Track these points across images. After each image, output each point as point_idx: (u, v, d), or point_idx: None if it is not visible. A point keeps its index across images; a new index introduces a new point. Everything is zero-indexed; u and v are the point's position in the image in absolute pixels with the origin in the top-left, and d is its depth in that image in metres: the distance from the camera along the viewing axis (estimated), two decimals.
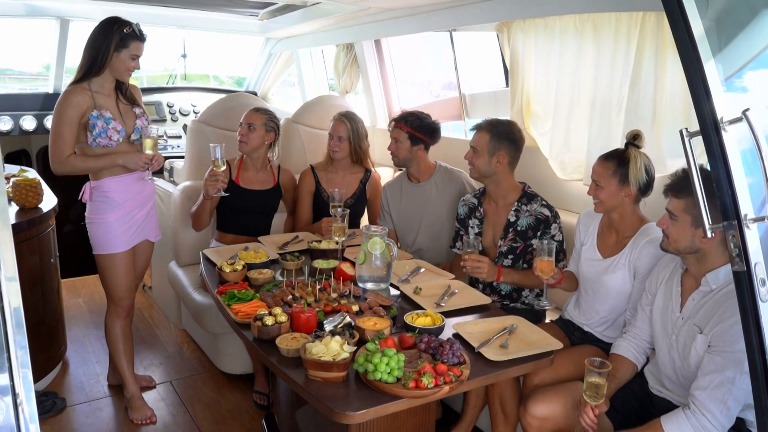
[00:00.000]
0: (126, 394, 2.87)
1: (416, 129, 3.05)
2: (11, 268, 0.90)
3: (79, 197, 2.73)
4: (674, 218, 1.82)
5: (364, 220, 3.56)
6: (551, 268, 2.22)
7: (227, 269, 2.37)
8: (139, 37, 2.61)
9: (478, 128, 2.65)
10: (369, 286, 2.34)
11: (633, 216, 2.26)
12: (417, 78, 4.88)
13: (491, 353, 1.82)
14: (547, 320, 2.68)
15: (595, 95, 2.80)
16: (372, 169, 3.43)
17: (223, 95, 4.79)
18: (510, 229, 2.62)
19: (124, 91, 2.72)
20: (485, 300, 2.28)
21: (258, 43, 5.75)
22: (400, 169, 3.32)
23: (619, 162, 2.19)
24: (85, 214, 2.74)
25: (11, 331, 0.85)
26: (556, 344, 1.92)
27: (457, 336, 1.97)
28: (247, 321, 1.99)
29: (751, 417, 1.77)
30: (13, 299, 0.89)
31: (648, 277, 2.12)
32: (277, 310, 1.94)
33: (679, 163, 2.50)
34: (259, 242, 2.89)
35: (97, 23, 2.63)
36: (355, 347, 1.76)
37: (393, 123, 3.12)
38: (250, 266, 2.45)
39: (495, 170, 2.61)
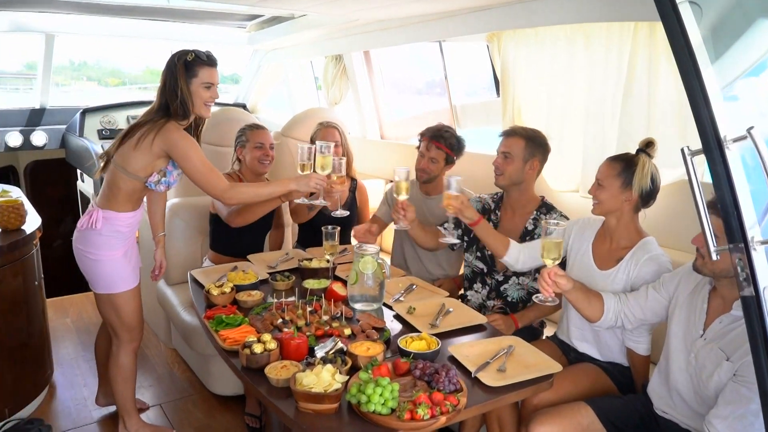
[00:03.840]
0: (130, 428, 2.72)
1: (455, 150, 2.98)
2: None
3: (83, 225, 2.47)
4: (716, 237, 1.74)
5: None
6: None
7: (215, 292, 2.30)
8: (207, 62, 2.40)
9: (512, 133, 2.58)
10: (361, 306, 2.28)
11: (630, 225, 2.20)
12: (407, 88, 4.83)
13: (489, 378, 1.76)
14: (544, 336, 2.63)
15: (588, 105, 2.76)
16: (356, 178, 3.41)
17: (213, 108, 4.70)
18: (527, 237, 2.58)
19: (195, 135, 2.58)
20: (481, 319, 2.22)
21: (246, 55, 5.70)
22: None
23: (626, 165, 2.14)
24: (83, 247, 2.47)
25: None
26: (555, 366, 1.86)
27: (452, 359, 1.90)
28: (235, 348, 1.91)
29: None
30: None
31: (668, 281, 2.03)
32: (267, 337, 1.87)
33: (674, 173, 2.47)
34: (249, 261, 2.82)
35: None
36: (347, 376, 1.69)
37: (432, 141, 2.96)
38: (238, 288, 2.38)
39: (526, 177, 2.57)
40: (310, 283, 2.43)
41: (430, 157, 2.97)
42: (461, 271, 3.06)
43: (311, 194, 2.61)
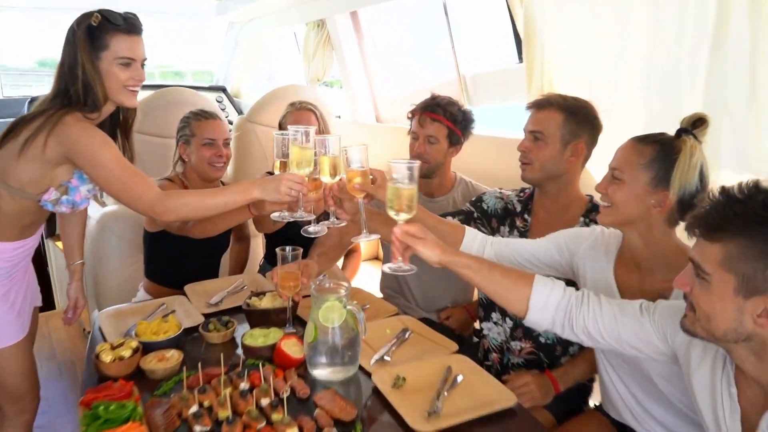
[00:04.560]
0: None
1: (459, 124, 2.23)
2: None
3: None
4: (705, 277, 1.04)
5: None
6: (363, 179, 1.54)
7: (107, 358, 1.54)
8: (124, 28, 1.66)
9: (545, 104, 1.81)
10: (324, 375, 1.52)
11: (666, 244, 1.42)
12: (404, 58, 4.00)
13: None
14: (591, 402, 1.88)
15: (653, 68, 1.94)
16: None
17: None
18: None
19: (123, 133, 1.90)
20: (507, 399, 1.43)
21: (221, 29, 4.94)
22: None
23: (662, 150, 1.38)
24: None
25: None
26: None
27: None
28: None
29: None
30: None
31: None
32: None
33: None
34: (184, 295, 2.06)
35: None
36: None
37: (425, 113, 2.23)
38: (148, 347, 1.63)
39: (566, 168, 1.81)
40: (253, 337, 1.66)
41: (427, 136, 2.22)
42: (476, 296, 2.31)
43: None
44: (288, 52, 4.70)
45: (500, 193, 2.05)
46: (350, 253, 2.84)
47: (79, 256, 2.15)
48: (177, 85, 3.68)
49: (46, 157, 1.66)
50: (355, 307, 1.49)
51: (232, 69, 5.11)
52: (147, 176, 1.74)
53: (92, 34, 1.65)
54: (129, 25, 1.69)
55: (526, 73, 2.38)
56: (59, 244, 3.58)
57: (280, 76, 4.63)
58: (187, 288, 2.10)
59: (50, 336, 3.50)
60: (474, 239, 1.70)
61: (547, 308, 1.34)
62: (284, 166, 1.69)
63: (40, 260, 3.72)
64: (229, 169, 3.25)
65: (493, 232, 2.01)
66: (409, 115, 2.32)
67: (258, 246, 2.92)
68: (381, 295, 2.48)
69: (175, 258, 2.27)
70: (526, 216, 1.96)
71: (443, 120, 2.21)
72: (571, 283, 1.63)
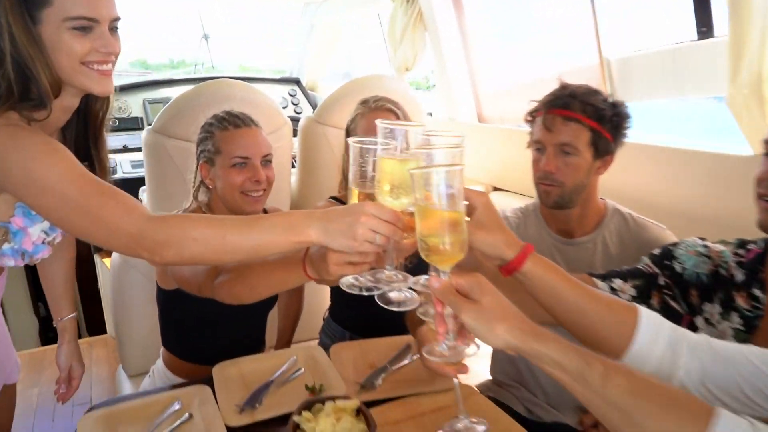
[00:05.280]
0: None
1: (607, 122, 1.45)
2: None
3: None
4: None
5: None
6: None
7: None
8: None
9: None
10: None
11: None
12: (519, 40, 3.17)
13: None
14: None
15: None
16: None
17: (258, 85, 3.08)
18: None
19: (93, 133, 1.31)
20: None
21: (296, 14, 4.36)
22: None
23: None
24: None
25: None
26: None
27: None
28: None
29: None
30: None
31: None
32: None
33: None
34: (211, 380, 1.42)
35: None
36: None
37: (553, 111, 1.46)
38: None
39: None
40: None
41: (559, 145, 1.45)
42: None
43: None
44: (371, 39, 4.03)
45: (705, 247, 1.26)
46: None
47: (69, 309, 1.59)
48: (227, 76, 3.00)
49: None
50: None
51: (308, 58, 4.50)
52: (126, 193, 1.08)
53: None
54: None
55: (728, 54, 1.56)
56: (107, 261, 3.10)
57: (361, 67, 3.97)
58: (216, 371, 1.44)
59: (90, 369, 3.00)
60: (656, 336, 0.92)
61: None
62: (368, 198, 0.98)
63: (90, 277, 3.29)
64: (293, 181, 2.63)
65: (693, 311, 1.23)
66: (528, 117, 1.55)
67: (315, 295, 2.23)
68: (489, 377, 1.75)
69: (200, 326, 1.63)
70: (755, 291, 1.16)
71: (583, 118, 1.42)
72: None
